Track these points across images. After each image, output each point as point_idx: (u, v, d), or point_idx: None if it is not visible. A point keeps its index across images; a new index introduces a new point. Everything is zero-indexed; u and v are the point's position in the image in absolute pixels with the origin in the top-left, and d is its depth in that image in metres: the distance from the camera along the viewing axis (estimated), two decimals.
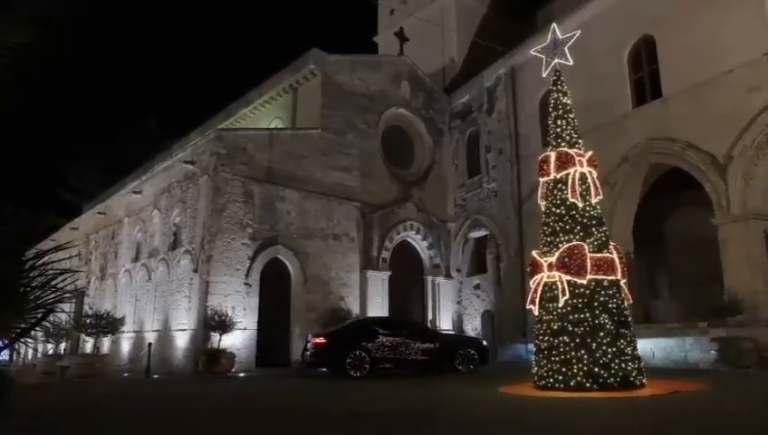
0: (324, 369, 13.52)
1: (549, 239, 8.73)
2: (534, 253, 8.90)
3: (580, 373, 7.73)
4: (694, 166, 14.75)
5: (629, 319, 8.36)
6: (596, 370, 7.69)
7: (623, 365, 7.78)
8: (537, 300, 8.58)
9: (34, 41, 3.97)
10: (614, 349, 7.81)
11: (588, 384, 7.66)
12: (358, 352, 12.63)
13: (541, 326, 8.48)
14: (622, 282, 8.49)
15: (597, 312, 7.99)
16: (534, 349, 8.62)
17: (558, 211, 8.74)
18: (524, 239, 19.17)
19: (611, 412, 6.04)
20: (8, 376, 5.95)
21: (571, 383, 7.74)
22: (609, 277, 8.25)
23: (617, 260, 8.40)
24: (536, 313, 8.66)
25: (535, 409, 6.57)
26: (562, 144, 9.06)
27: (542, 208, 9.19)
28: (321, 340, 13.05)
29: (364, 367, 12.59)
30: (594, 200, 8.80)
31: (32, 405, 8.14)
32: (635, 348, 8.14)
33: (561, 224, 8.63)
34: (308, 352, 13.24)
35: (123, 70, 64.18)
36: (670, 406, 6.44)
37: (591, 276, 8.13)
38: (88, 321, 18.57)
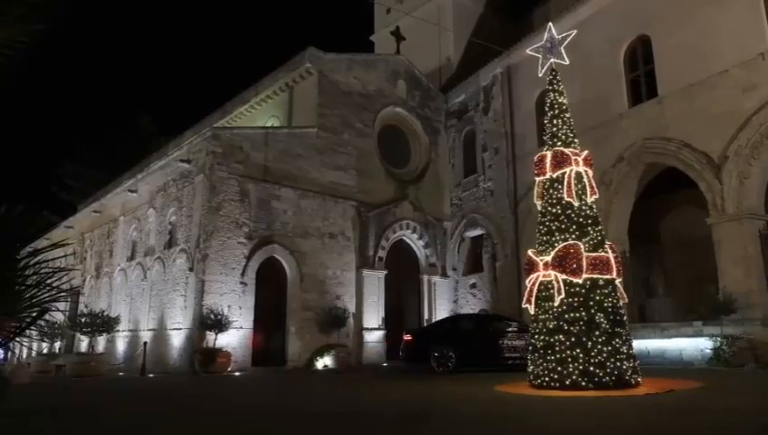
0: (414, 363, 13.89)
1: (545, 238, 8.74)
2: (530, 252, 8.92)
3: (576, 372, 7.75)
4: (689, 165, 14.82)
5: (625, 318, 8.38)
6: (591, 369, 7.71)
7: (618, 364, 7.80)
8: (533, 299, 8.59)
9: (32, 38, 3.96)
10: (609, 348, 7.83)
11: (583, 383, 7.67)
12: (443, 350, 12.90)
13: (536, 325, 8.50)
14: (618, 281, 8.50)
15: (592, 311, 8.00)
16: (530, 348, 8.64)
17: (554, 210, 8.75)
18: (520, 238, 19.21)
19: (607, 411, 6.06)
20: (3, 376, 5.94)
21: (567, 382, 7.76)
22: (605, 276, 8.26)
23: (612, 259, 8.41)
24: (532, 312, 8.67)
25: (531, 407, 6.59)
26: (558, 143, 9.07)
27: (538, 208, 9.20)
28: (408, 337, 13.90)
29: (449, 364, 12.81)
30: (590, 200, 8.82)
31: (28, 405, 8.10)
32: (630, 347, 8.15)
33: (556, 223, 8.64)
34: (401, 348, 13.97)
35: (119, 68, 64.05)
36: (666, 404, 6.46)
37: (587, 275, 8.15)
38: (83, 320, 18.53)
